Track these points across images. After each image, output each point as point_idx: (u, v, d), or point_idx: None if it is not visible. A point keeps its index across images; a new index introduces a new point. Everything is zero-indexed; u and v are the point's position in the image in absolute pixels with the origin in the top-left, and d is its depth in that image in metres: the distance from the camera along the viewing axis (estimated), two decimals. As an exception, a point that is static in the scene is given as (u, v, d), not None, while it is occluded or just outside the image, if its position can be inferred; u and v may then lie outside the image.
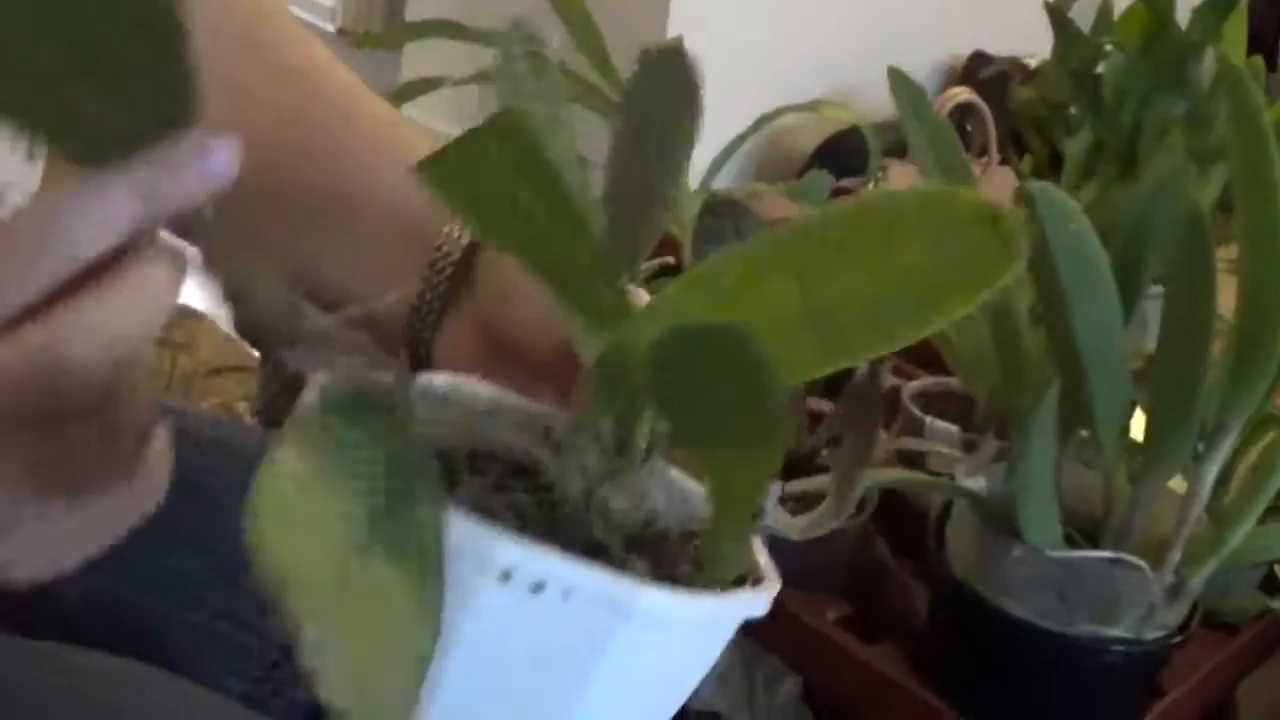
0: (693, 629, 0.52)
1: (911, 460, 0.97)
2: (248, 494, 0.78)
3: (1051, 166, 1.37)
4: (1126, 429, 0.72)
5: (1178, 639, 0.76)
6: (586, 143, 0.89)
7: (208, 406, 2.31)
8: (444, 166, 0.46)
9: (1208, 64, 1.29)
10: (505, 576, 0.48)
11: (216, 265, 0.51)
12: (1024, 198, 0.62)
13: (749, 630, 0.78)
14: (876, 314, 0.49)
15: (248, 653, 0.94)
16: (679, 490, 0.58)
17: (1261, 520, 0.74)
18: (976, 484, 0.76)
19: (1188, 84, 1.08)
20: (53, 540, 0.54)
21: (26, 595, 0.57)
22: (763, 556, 0.55)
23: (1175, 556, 0.72)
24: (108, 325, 0.48)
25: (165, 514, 0.84)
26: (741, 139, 1.12)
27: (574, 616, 0.49)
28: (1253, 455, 0.77)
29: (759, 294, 0.49)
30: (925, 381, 1.05)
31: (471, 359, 0.70)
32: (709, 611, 0.51)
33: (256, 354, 1.18)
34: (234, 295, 0.51)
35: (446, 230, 0.71)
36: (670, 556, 0.54)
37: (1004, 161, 1.48)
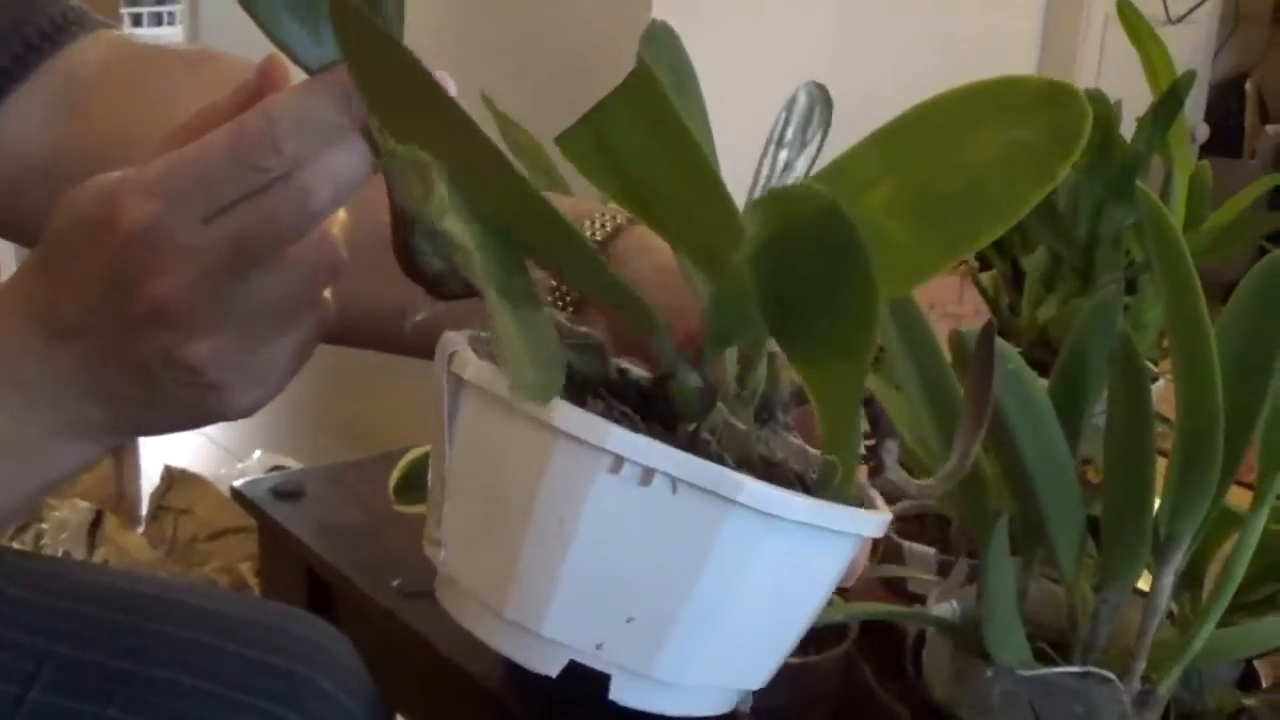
0: (799, 536, 0.55)
1: (892, 585, 1.00)
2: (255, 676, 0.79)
3: (1014, 281, 1.40)
4: (1083, 545, 0.74)
5: (1152, 745, 0.78)
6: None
7: (210, 569, 2.34)
8: (578, 138, 0.51)
9: (1158, 168, 1.33)
10: (616, 465, 0.52)
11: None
12: (955, 344, 0.65)
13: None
14: (966, 202, 0.53)
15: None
16: (798, 450, 0.61)
17: (1228, 620, 0.76)
18: (946, 610, 0.78)
19: (1136, 195, 1.10)
20: (266, 371, 0.63)
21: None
22: (879, 500, 0.58)
23: (1140, 665, 0.75)
24: (340, 176, 0.58)
25: (142, 683, 0.86)
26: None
27: (683, 510, 0.53)
28: (1224, 552, 0.80)
29: (860, 194, 0.53)
30: (902, 505, 1.08)
31: None
32: (812, 512, 0.54)
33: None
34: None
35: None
36: (784, 482, 0.57)
37: (984, 268, 1.50)
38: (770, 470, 0.61)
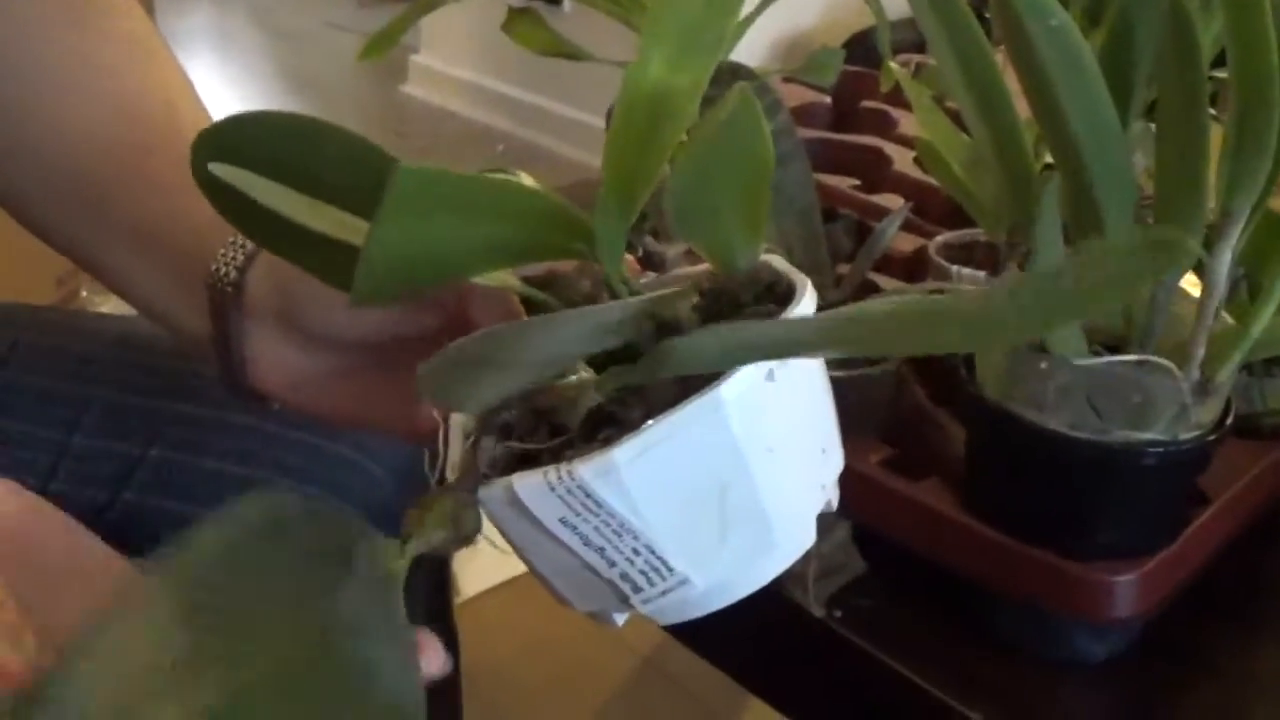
0: (786, 374, 0.55)
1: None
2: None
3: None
4: (1133, 225, 0.72)
5: (1213, 437, 0.76)
6: (599, 42, 0.90)
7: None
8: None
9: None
10: (610, 468, 0.52)
11: None
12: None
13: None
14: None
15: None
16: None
17: (1287, 312, 0.74)
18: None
19: None
20: None
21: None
22: (777, 262, 0.58)
23: (1199, 352, 0.73)
24: None
25: (185, 422, 0.86)
26: (750, 19, 1.12)
27: (699, 443, 0.53)
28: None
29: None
30: (949, 235, 1.06)
31: (297, 367, 0.72)
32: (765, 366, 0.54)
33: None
34: None
35: (220, 254, 0.73)
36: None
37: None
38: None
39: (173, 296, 0.74)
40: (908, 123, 1.39)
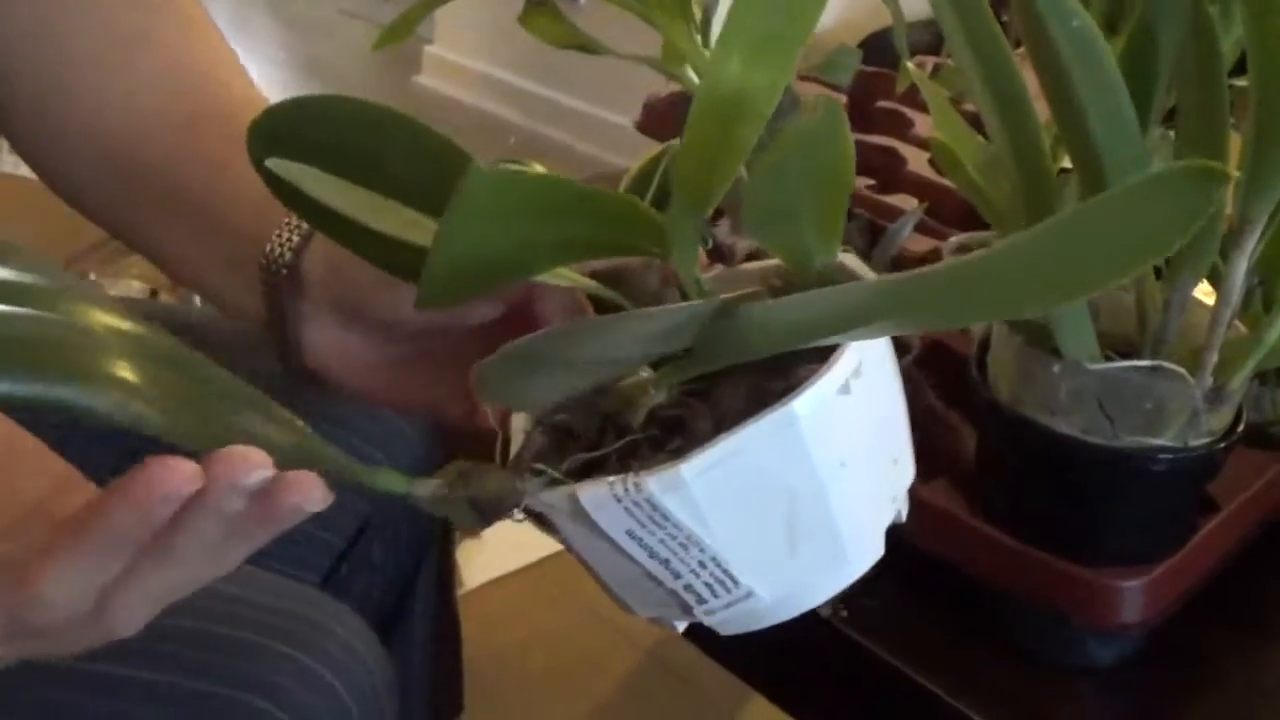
0: (861, 385, 0.55)
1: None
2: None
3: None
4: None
5: (1223, 444, 0.76)
6: (615, 36, 0.90)
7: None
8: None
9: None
10: (678, 482, 0.52)
11: None
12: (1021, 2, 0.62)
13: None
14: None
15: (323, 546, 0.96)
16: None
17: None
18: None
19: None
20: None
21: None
22: (851, 260, 0.58)
23: (1212, 359, 0.73)
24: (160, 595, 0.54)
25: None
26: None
27: (769, 458, 0.53)
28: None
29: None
30: (964, 237, 1.06)
31: (353, 350, 0.71)
32: (846, 365, 0.54)
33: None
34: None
35: (275, 236, 0.72)
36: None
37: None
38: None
39: (225, 275, 0.74)
40: (923, 124, 1.39)
